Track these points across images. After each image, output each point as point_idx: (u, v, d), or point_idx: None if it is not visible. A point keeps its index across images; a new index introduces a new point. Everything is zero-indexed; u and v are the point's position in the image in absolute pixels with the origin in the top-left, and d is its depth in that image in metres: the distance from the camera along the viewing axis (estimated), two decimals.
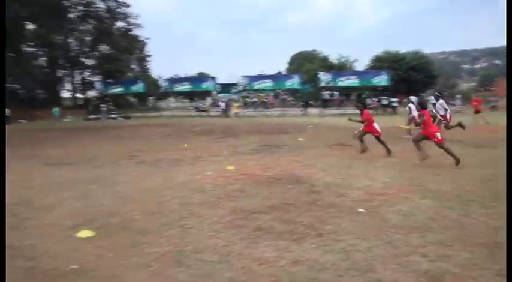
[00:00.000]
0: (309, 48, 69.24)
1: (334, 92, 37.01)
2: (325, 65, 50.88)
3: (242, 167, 7.66)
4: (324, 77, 34.07)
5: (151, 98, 47.10)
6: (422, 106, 8.70)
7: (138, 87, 36.42)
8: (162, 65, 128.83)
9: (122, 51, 50.68)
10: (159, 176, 7.41)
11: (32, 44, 44.01)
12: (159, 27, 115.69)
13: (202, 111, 35.04)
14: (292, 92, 34.77)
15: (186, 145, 12.15)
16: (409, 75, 46.79)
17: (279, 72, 39.37)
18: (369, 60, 51.65)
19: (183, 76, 39.10)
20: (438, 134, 7.63)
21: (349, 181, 6.37)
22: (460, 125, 11.68)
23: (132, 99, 56.92)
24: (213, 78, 34.00)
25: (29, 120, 33.76)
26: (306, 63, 56.29)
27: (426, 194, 5.47)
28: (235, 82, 38.66)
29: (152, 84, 45.82)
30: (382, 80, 32.65)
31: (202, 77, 37.02)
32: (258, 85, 34.79)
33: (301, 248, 3.65)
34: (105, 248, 3.84)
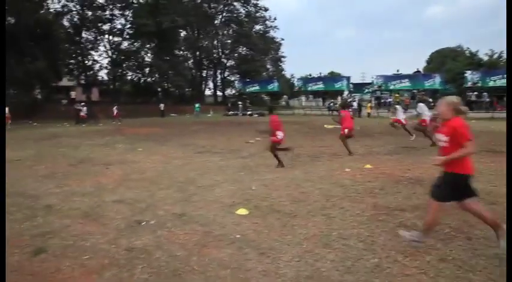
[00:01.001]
0: (452, 45, 63.07)
1: (483, 93, 32.97)
2: (473, 62, 45.69)
3: (380, 166, 7.66)
4: (471, 76, 30.73)
5: (285, 96, 48.99)
6: (344, 107, 11.79)
7: (273, 86, 38.23)
8: (294, 64, 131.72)
9: (259, 52, 53.85)
10: (299, 169, 7.93)
11: (183, 48, 49.88)
12: (292, 26, 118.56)
13: (334, 110, 35.03)
14: (432, 92, 32.12)
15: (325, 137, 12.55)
16: None
17: (417, 71, 36.73)
18: None
19: (315, 76, 39.49)
20: (346, 130, 9.79)
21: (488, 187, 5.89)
22: None
23: (266, 98, 60.01)
24: (347, 77, 33.63)
25: (178, 114, 38.54)
26: (448, 61, 51.35)
27: None
28: (368, 82, 37.64)
29: (285, 84, 47.63)
30: None
31: (335, 77, 36.91)
32: (394, 85, 33.26)
33: (448, 248, 3.64)
34: (261, 225, 4.43)
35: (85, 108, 28.13)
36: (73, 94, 39.09)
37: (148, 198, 5.74)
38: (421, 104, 12.71)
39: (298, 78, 38.19)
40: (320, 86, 35.04)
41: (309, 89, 35.75)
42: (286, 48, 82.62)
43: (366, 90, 36.82)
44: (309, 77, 40.57)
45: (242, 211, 4.94)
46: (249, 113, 36.56)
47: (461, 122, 3.47)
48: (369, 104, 33.02)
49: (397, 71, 35.04)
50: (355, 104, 33.12)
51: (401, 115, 13.52)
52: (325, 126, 14.69)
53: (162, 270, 3.32)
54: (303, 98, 44.43)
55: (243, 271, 3.29)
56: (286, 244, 3.86)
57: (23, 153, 11.01)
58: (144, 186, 6.58)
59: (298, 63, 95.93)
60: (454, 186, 3.49)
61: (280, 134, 8.38)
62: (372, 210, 4.81)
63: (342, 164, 8.23)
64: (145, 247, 3.83)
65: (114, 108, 29.62)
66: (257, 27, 55.76)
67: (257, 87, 40.38)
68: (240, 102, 41.37)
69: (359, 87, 37.67)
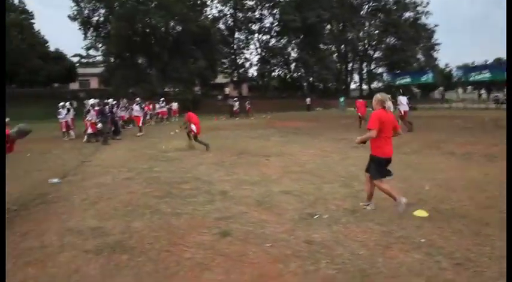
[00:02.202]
0: None
1: None
2: None
3: None
4: None
5: (440, 88, 44.39)
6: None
7: (427, 77, 34.89)
8: (448, 53, 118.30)
9: (409, 41, 49.93)
10: (476, 170, 6.93)
11: (327, 42, 49.44)
12: (445, 11, 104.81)
13: (502, 103, 30.26)
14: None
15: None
16: None
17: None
18: None
19: (478, 64, 34.58)
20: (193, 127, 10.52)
21: None
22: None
23: (416, 90, 55.41)
24: None
25: (323, 108, 38.48)
26: None
27: None
28: None
29: (439, 74, 43.10)
30: None
31: (503, 64, 31.47)
32: (473, 77, 27.55)
33: None
34: (447, 230, 3.94)
35: (237, 103, 30.33)
36: (227, 90, 42.67)
37: (315, 191, 5.69)
38: (400, 97, 14.42)
39: (458, 67, 33.95)
40: (485, 75, 30.38)
41: (471, 79, 31.34)
42: (439, 35, 74.95)
43: None
44: (470, 65, 35.75)
45: (421, 213, 4.47)
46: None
47: (374, 113, 4.54)
48: None
49: None
50: None
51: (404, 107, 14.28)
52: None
53: (348, 268, 3.16)
54: (460, 90, 39.60)
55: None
56: (486, 257, 3.29)
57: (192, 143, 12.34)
58: (306, 179, 6.59)
59: (453, 51, 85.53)
60: (379, 166, 4.58)
61: (194, 127, 10.45)
62: None
63: None
64: (324, 241, 3.74)
65: (247, 103, 31.58)
66: (407, 14, 51.71)
67: (408, 79, 37.32)
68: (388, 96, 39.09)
69: None
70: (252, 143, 12.03)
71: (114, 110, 15.81)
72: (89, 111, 14.52)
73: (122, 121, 17.98)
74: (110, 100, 16.14)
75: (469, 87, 43.34)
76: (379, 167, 4.57)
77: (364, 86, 55.58)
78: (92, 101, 15.07)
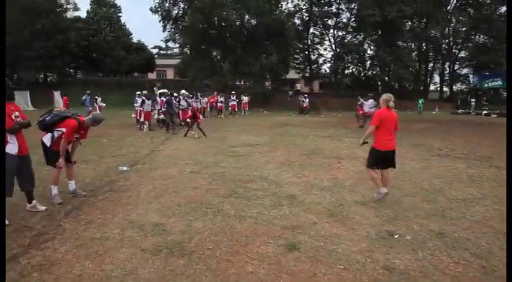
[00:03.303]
0: None
1: None
2: None
3: None
4: None
5: None
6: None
7: None
8: None
9: (501, 40, 45.04)
10: None
11: (408, 39, 46.24)
12: None
13: None
14: None
15: None
16: None
17: None
18: None
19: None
20: None
21: None
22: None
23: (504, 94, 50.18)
24: None
25: (399, 109, 36.19)
26: None
27: None
28: None
29: None
30: None
31: None
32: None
33: None
34: None
35: (307, 99, 29.52)
36: (298, 86, 41.98)
37: (394, 204, 5.05)
38: (371, 100, 15.57)
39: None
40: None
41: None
42: None
43: None
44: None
45: None
46: (484, 112, 31.09)
47: (377, 111, 5.52)
48: None
49: None
50: None
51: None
52: None
53: None
54: None
55: None
56: None
57: (260, 139, 12.07)
58: None
59: None
60: (373, 157, 5.32)
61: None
62: None
63: None
64: (408, 270, 3.16)
65: (305, 99, 29.39)
66: (503, 9, 46.50)
67: (499, 82, 33.45)
68: (473, 100, 35.73)
69: None
70: (323, 143, 11.42)
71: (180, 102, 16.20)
72: (155, 100, 14.99)
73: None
74: (183, 91, 16.43)
75: None
76: (372, 157, 5.34)
77: (445, 88, 51.52)
78: (161, 91, 15.48)
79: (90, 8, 42.39)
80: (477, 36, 47.69)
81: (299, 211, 4.67)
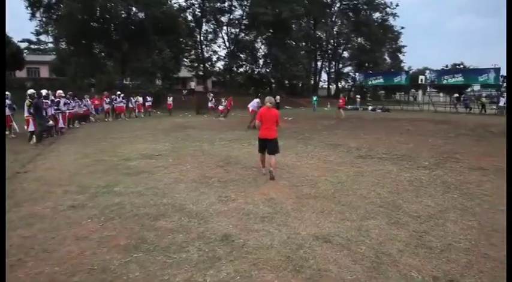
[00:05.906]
0: None
1: None
2: None
3: None
4: None
5: (412, 90, 43.94)
6: None
7: (400, 79, 34.02)
8: (410, 57, 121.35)
9: (377, 42, 49.50)
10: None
11: (298, 38, 47.74)
12: (405, 16, 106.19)
13: (469, 107, 30.05)
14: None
15: None
16: None
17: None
18: None
19: (450, 68, 34.35)
20: None
21: None
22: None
23: (380, 92, 55.35)
24: (497, 69, 27.78)
25: (292, 107, 36.95)
26: None
27: None
28: None
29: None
30: None
31: (479, 69, 30.58)
32: (446, 80, 29.78)
33: None
34: None
35: (214, 99, 27.89)
36: (192, 85, 40.05)
37: (362, 235, 3.85)
38: (257, 100, 16.48)
39: (432, 71, 33.18)
40: (458, 79, 29.86)
41: (444, 82, 30.75)
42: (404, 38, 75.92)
43: None
44: (445, 68, 35.41)
45: None
46: (370, 107, 33.26)
47: (260, 109, 7.01)
48: None
49: None
50: (502, 101, 27.63)
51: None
52: None
53: None
54: (426, 93, 39.38)
55: None
56: None
57: (160, 147, 10.18)
58: (333, 209, 4.74)
59: (414, 56, 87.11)
60: (258, 143, 6.85)
61: None
62: None
63: None
64: None
65: (212, 99, 28.35)
66: (376, 15, 51.14)
67: (381, 80, 36.28)
68: (358, 96, 38.18)
69: None
70: (234, 149, 9.98)
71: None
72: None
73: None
74: (44, 91, 13.30)
75: (435, 90, 43.16)
76: (258, 144, 6.84)
77: (331, 85, 54.92)
78: (29, 92, 12.26)
79: None
80: (358, 39, 51.75)
81: (247, 268, 3.14)
